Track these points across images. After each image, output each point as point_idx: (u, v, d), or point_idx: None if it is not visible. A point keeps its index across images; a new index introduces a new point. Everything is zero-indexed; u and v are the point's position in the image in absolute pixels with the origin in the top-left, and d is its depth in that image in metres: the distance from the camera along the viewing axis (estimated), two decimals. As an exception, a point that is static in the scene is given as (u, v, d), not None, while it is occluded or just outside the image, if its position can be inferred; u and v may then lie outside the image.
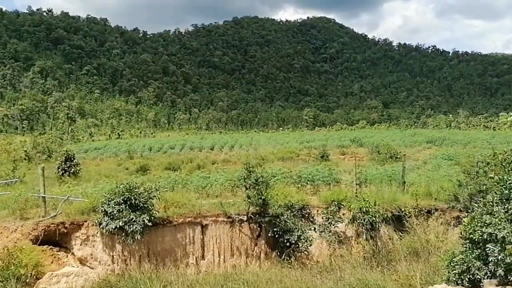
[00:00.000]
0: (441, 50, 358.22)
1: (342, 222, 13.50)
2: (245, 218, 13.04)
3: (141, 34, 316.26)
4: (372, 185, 16.18)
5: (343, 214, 13.63)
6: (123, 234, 11.54)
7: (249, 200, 12.67)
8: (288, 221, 12.78)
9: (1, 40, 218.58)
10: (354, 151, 46.89)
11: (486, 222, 6.70)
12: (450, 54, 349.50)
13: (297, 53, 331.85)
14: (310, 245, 12.91)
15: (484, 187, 11.15)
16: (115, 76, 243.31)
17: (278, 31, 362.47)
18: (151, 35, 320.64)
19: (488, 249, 6.58)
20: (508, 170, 7.29)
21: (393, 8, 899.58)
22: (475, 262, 6.97)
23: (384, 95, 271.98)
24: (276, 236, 12.81)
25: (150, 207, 11.88)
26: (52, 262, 11.76)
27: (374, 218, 12.82)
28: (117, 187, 11.96)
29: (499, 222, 6.48)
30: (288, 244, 12.59)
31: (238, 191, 14.81)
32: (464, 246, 7.53)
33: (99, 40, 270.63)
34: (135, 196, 11.59)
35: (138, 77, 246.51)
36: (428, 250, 12.17)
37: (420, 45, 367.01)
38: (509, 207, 6.52)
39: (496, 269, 6.50)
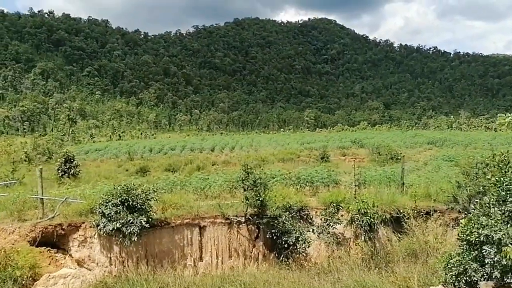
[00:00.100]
0: (442, 51, 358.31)
1: (340, 224, 13.46)
2: (243, 219, 13.00)
3: (142, 36, 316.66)
4: (371, 186, 16.13)
5: (342, 216, 13.59)
6: (121, 236, 11.51)
7: (247, 201, 12.64)
8: (286, 222, 12.74)
9: (3, 41, 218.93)
10: (355, 152, 46.81)
11: (483, 223, 6.67)
12: (451, 55, 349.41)
13: (298, 54, 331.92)
14: (308, 247, 12.88)
15: (483, 188, 11.10)
16: (116, 78, 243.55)
17: (279, 32, 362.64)
18: (152, 36, 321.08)
19: (484, 251, 6.55)
20: (505, 172, 7.25)
21: (394, 9, 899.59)
22: (471, 264, 6.95)
23: (385, 96, 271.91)
24: (274, 237, 12.78)
25: (147, 208, 11.85)
26: (49, 264, 11.72)
27: (372, 220, 12.78)
28: (114, 188, 11.94)
29: (495, 224, 6.45)
30: (286, 245, 12.55)
31: (236, 193, 14.78)
32: (461, 247, 7.51)
33: (100, 42, 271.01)
34: (133, 197, 11.56)
35: (139, 79, 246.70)
36: (426, 251, 12.13)
37: (421, 46, 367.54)
38: (506, 209, 6.49)
39: (492, 271, 6.47)
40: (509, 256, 5.92)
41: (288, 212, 13.11)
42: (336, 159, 38.90)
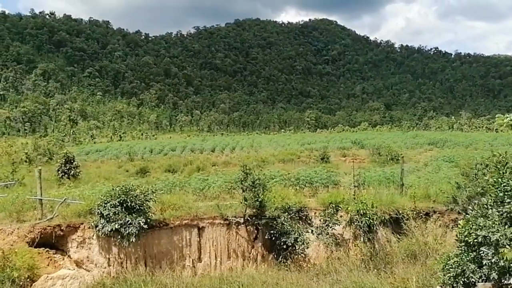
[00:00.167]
0: (444, 52, 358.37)
1: (339, 225, 13.42)
2: (242, 220, 12.98)
3: (143, 37, 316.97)
4: (370, 187, 16.10)
5: (341, 217, 13.55)
6: (119, 237, 11.50)
7: (245, 202, 12.62)
8: (285, 223, 12.72)
9: (4, 43, 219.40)
10: (355, 153, 46.78)
11: (480, 225, 6.64)
12: (453, 56, 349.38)
13: (299, 55, 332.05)
14: (307, 248, 12.85)
15: (482, 189, 11.08)
16: (117, 78, 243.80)
17: (280, 33, 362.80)
18: (153, 37, 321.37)
19: (482, 252, 6.52)
20: (503, 173, 7.22)
21: (396, 10, 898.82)
22: (469, 265, 6.91)
23: (386, 97, 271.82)
24: (273, 238, 12.75)
25: (146, 209, 11.84)
26: (48, 265, 11.71)
27: (371, 221, 12.74)
28: (113, 189, 11.93)
29: (493, 225, 6.42)
30: (284, 246, 12.52)
31: (235, 193, 14.75)
32: (460, 249, 7.47)
33: (101, 43, 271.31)
34: (131, 198, 11.55)
35: (140, 79, 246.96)
36: (426, 252, 12.09)
37: (423, 47, 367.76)
38: (504, 210, 6.46)
39: (490, 273, 6.45)
40: (506, 258, 5.89)
41: (287, 213, 13.09)
42: (337, 160, 38.85)
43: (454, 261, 7.24)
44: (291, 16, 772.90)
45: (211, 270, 12.59)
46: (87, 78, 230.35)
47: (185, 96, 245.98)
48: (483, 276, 6.70)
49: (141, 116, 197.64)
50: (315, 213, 13.83)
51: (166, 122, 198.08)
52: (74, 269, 11.83)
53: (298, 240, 12.65)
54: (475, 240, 6.77)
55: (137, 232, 11.40)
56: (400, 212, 13.58)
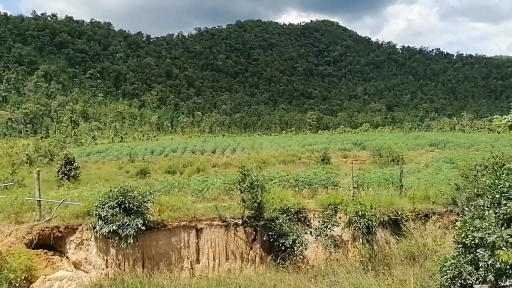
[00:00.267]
0: (445, 53, 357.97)
1: (338, 226, 13.39)
2: (240, 221, 12.94)
3: (145, 38, 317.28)
4: (370, 188, 16.07)
5: (340, 218, 13.52)
6: (117, 238, 11.49)
7: (244, 203, 12.59)
8: (284, 224, 12.69)
9: (6, 44, 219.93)
10: (356, 154, 46.81)
11: (477, 226, 6.60)
12: (454, 57, 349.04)
13: (301, 56, 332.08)
14: (305, 249, 12.82)
15: (482, 190, 11.02)
16: (119, 80, 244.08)
17: (282, 34, 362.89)
18: (155, 38, 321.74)
19: (478, 254, 6.49)
20: (500, 174, 7.18)
21: (397, 11, 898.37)
22: (466, 267, 6.88)
23: (387, 98, 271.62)
24: (271, 240, 12.71)
25: (144, 211, 11.82)
26: (46, 266, 11.70)
27: (370, 222, 12.71)
28: (111, 191, 11.91)
29: (489, 227, 6.39)
30: (283, 248, 12.49)
31: (234, 195, 14.73)
32: (457, 250, 7.45)
33: (102, 44, 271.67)
34: (129, 199, 11.53)
35: (141, 81, 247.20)
36: (425, 254, 12.05)
37: (424, 48, 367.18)
38: (500, 212, 6.43)
39: (486, 274, 6.41)
40: (502, 260, 5.85)
41: (285, 214, 13.06)
42: (338, 161, 38.84)
43: (451, 263, 7.22)
44: (292, 17, 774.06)
45: (209, 271, 12.56)
46: (89, 79, 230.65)
47: (186, 97, 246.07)
48: (480, 278, 6.67)
49: (143, 117, 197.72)
50: (314, 214, 13.79)
51: (168, 123, 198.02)
52: (72, 271, 11.82)
53: (297, 241, 12.62)
54: (472, 242, 6.74)
55: (134, 233, 11.37)
56: (399, 213, 13.55)
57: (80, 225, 12.21)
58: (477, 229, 6.60)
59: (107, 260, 11.97)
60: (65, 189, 16.47)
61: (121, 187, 11.92)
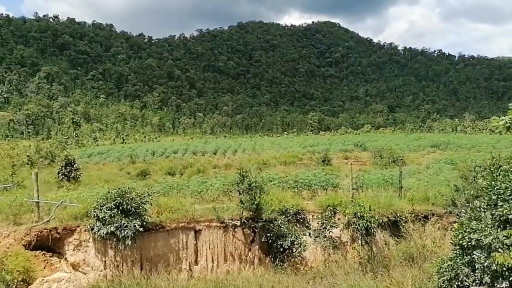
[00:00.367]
0: (447, 54, 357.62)
1: (337, 227, 13.36)
2: (238, 223, 12.93)
3: (146, 39, 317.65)
4: (370, 189, 16.03)
5: (338, 219, 13.50)
6: (115, 240, 11.48)
7: (242, 205, 12.57)
8: (282, 226, 12.67)
9: (8, 46, 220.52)
10: (358, 156, 46.76)
11: (473, 228, 6.57)
12: (456, 58, 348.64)
13: (302, 58, 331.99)
14: (304, 251, 12.79)
15: (481, 192, 10.98)
16: (120, 81, 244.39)
17: (283, 35, 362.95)
18: (156, 40, 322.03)
19: (475, 255, 6.46)
20: (496, 176, 7.15)
21: (399, 13, 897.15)
22: (463, 269, 6.85)
23: (389, 99, 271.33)
24: (270, 241, 12.70)
25: (142, 212, 11.81)
26: (44, 268, 11.69)
27: (369, 223, 12.69)
28: (109, 192, 11.90)
29: (485, 228, 6.35)
30: (281, 249, 12.48)
31: (233, 196, 14.71)
32: (454, 252, 7.42)
33: (104, 46, 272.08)
34: (127, 201, 11.53)
35: (143, 82, 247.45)
36: (424, 255, 12.02)
37: (426, 49, 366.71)
38: (497, 213, 6.39)
39: (483, 276, 6.37)
40: (498, 262, 5.82)
41: (284, 216, 13.05)
42: (339, 162, 38.77)
43: (448, 265, 7.19)
44: (294, 18, 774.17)
45: (208, 273, 12.54)
46: (91, 81, 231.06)
47: (188, 99, 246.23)
48: (477, 280, 6.63)
49: (144, 118, 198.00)
50: (313, 215, 13.77)
51: (169, 124, 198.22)
52: (70, 272, 11.80)
53: (295, 243, 12.60)
54: (469, 244, 6.71)
55: (132, 234, 11.37)
56: (398, 214, 13.51)
57: (79, 226, 12.20)
58: (473, 230, 6.58)
59: (105, 261, 11.96)
60: (64, 190, 16.47)
61: (119, 189, 11.92)
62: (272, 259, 12.76)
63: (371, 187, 16.19)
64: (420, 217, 13.66)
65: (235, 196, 14.19)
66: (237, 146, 63.98)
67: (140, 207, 11.77)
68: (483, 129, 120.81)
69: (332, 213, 13.50)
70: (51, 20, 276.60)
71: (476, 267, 6.50)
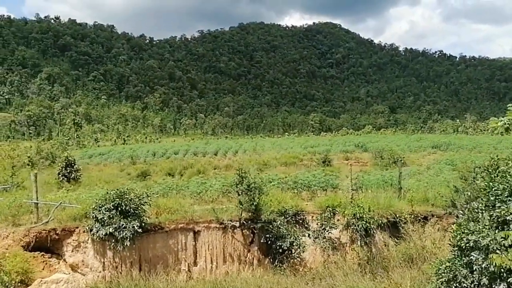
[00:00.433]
0: (448, 55, 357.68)
1: (336, 228, 13.32)
2: (237, 224, 12.90)
3: (148, 41, 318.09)
4: (369, 190, 15.99)
5: (338, 220, 13.46)
6: (114, 241, 11.45)
7: (241, 206, 12.55)
8: (281, 227, 12.64)
9: (9, 47, 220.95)
10: (358, 156, 46.67)
11: (471, 229, 6.54)
12: (457, 59, 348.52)
13: (303, 58, 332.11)
14: (303, 252, 12.76)
15: (479, 193, 10.94)
16: (122, 82, 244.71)
17: (284, 36, 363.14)
18: (158, 41, 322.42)
19: (472, 257, 6.43)
20: (494, 177, 7.12)
21: (400, 13, 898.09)
22: (461, 270, 6.82)
23: (390, 100, 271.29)
24: (269, 242, 12.67)
25: (141, 213, 11.79)
26: (43, 269, 11.68)
27: (368, 224, 12.64)
28: (107, 193, 11.88)
29: (483, 230, 6.32)
30: (280, 250, 12.44)
31: (233, 197, 14.68)
32: (453, 253, 7.38)
33: (106, 47, 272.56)
34: (126, 202, 11.50)
35: (144, 83, 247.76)
36: (423, 257, 11.99)
37: (427, 50, 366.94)
38: (494, 214, 6.36)
39: (480, 278, 6.34)
40: (495, 263, 5.79)
41: (283, 217, 13.02)
42: (339, 163, 38.69)
43: (446, 266, 7.15)
44: (295, 19, 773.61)
45: (207, 274, 12.51)
46: (92, 82, 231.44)
47: (189, 100, 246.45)
48: (475, 281, 6.60)
49: (146, 119, 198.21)
50: (312, 216, 13.73)
51: (170, 125, 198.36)
52: (69, 273, 11.79)
53: (294, 244, 12.56)
54: (467, 245, 6.68)
55: (131, 236, 11.34)
56: (398, 215, 13.47)
57: (77, 227, 12.19)
58: (471, 232, 6.55)
59: (104, 262, 11.93)
60: (63, 191, 16.45)
61: (117, 190, 11.90)
62: (271, 260, 12.73)
63: (371, 188, 16.13)
64: (419, 218, 13.62)
65: (234, 197, 14.16)
66: (238, 147, 63.92)
67: (139, 208, 11.76)
68: (484, 130, 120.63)
69: (332, 214, 13.46)
70: (52, 21, 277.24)
71: (474, 269, 6.47)
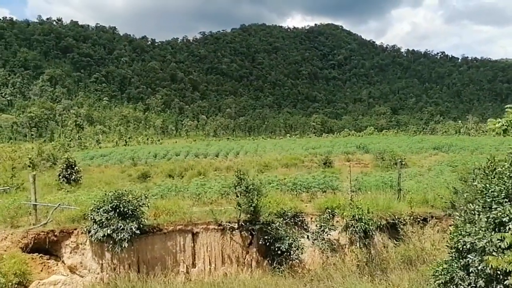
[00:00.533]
0: (450, 56, 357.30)
1: (335, 230, 13.28)
2: (236, 225, 12.87)
3: (150, 42, 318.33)
4: (369, 192, 15.93)
5: (337, 222, 13.42)
6: (112, 242, 11.43)
7: (239, 207, 12.52)
8: (280, 228, 12.61)
9: (12, 48, 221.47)
10: (360, 158, 46.56)
11: (468, 231, 6.51)
12: (459, 60, 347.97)
13: (305, 60, 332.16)
14: (302, 253, 12.72)
15: (476, 194, 10.89)
16: (124, 84, 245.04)
17: (286, 38, 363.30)
18: (159, 43, 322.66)
19: (468, 259, 6.39)
20: (491, 178, 7.08)
21: (401, 15, 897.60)
22: (458, 272, 6.79)
23: (392, 101, 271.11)
24: (268, 244, 12.63)
25: (139, 214, 11.76)
26: (41, 270, 11.68)
27: (367, 226, 12.59)
28: (106, 194, 11.87)
29: (479, 232, 6.29)
30: (279, 252, 12.39)
31: (232, 199, 14.65)
32: (450, 255, 7.35)
33: (107, 48, 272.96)
34: (124, 203, 11.48)
35: (146, 85, 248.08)
36: (423, 258, 11.95)
37: (429, 51, 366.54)
38: (491, 216, 6.33)
39: (477, 280, 6.30)
40: (491, 265, 5.75)
41: (282, 218, 12.98)
42: (340, 165, 38.63)
43: (444, 268, 7.12)
44: (296, 21, 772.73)
45: (205, 276, 12.47)
46: (94, 83, 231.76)
47: (191, 101, 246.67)
48: (472, 283, 6.56)
49: (147, 121, 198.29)
50: (311, 218, 13.69)
51: (172, 127, 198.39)
52: (67, 275, 11.78)
53: (293, 245, 12.52)
54: (464, 247, 6.64)
55: (129, 237, 11.32)
56: (397, 217, 13.43)
57: (76, 229, 12.18)
58: (468, 233, 6.51)
59: (102, 264, 11.92)
60: (62, 193, 16.46)
61: (116, 191, 11.88)
62: (269, 262, 12.70)
63: (370, 189, 16.08)
64: (419, 219, 13.57)
65: (233, 198, 14.14)
66: (239, 148, 63.95)
67: (137, 209, 11.72)
68: (486, 131, 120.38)
69: (331, 215, 13.42)
70: (54, 23, 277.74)
71: (471, 271, 6.43)
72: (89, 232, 11.66)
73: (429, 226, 13.48)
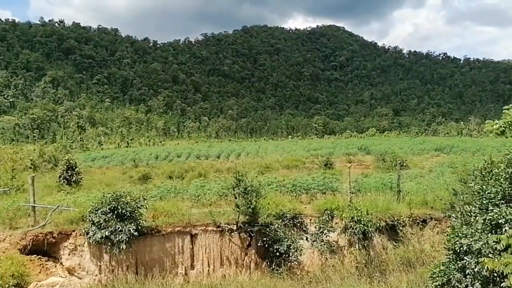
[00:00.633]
0: (452, 57, 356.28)
1: (334, 232, 13.24)
2: (234, 227, 12.85)
3: (151, 44, 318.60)
4: (368, 193, 15.89)
5: (336, 223, 13.38)
6: (110, 244, 11.42)
7: (238, 209, 12.49)
8: (278, 230, 12.58)
9: (14, 50, 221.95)
10: (361, 159, 46.48)
11: (464, 233, 6.47)
12: (462, 61, 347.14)
13: (307, 61, 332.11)
14: (300, 255, 12.68)
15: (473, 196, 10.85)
16: (126, 85, 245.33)
17: (288, 39, 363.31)
18: (161, 44, 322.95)
19: (465, 261, 6.36)
20: (488, 180, 7.04)
21: (403, 16, 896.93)
22: (455, 274, 6.75)
23: (394, 103, 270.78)
24: (266, 245, 12.60)
25: (137, 216, 11.76)
26: (40, 272, 11.68)
27: (366, 227, 12.56)
28: (104, 196, 11.86)
29: (476, 233, 6.25)
30: (278, 253, 12.36)
31: (231, 200, 14.62)
32: (448, 257, 7.32)
33: (109, 50, 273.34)
34: (122, 205, 11.48)
35: (148, 86, 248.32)
36: (422, 260, 11.92)
37: (431, 52, 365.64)
38: (488, 218, 6.29)
39: (473, 282, 6.27)
40: (488, 268, 5.71)
41: (281, 220, 12.95)
42: (341, 166, 38.56)
43: (441, 270, 7.09)
44: (298, 22, 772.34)
45: (204, 277, 12.45)
46: (96, 85, 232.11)
47: (193, 103, 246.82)
48: (469, 285, 6.53)
49: (149, 122, 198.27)
50: (310, 220, 13.66)
51: (174, 128, 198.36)
52: (65, 277, 11.78)
53: (291, 247, 12.49)
54: (461, 249, 6.61)
55: (127, 239, 11.31)
56: (396, 218, 13.39)
57: (74, 231, 12.19)
58: (464, 235, 6.48)
59: (100, 266, 11.92)
60: (61, 194, 16.46)
61: (114, 193, 11.87)
62: (268, 263, 12.66)
63: (370, 191, 16.04)
64: (418, 221, 13.54)
65: (232, 200, 14.11)
66: (241, 149, 63.88)
67: (135, 211, 11.72)
68: (486, 132, 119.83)
69: (330, 217, 13.39)
70: (56, 24, 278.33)
71: (467, 273, 6.40)
72: (87, 233, 11.67)
73: (428, 227, 13.45)
